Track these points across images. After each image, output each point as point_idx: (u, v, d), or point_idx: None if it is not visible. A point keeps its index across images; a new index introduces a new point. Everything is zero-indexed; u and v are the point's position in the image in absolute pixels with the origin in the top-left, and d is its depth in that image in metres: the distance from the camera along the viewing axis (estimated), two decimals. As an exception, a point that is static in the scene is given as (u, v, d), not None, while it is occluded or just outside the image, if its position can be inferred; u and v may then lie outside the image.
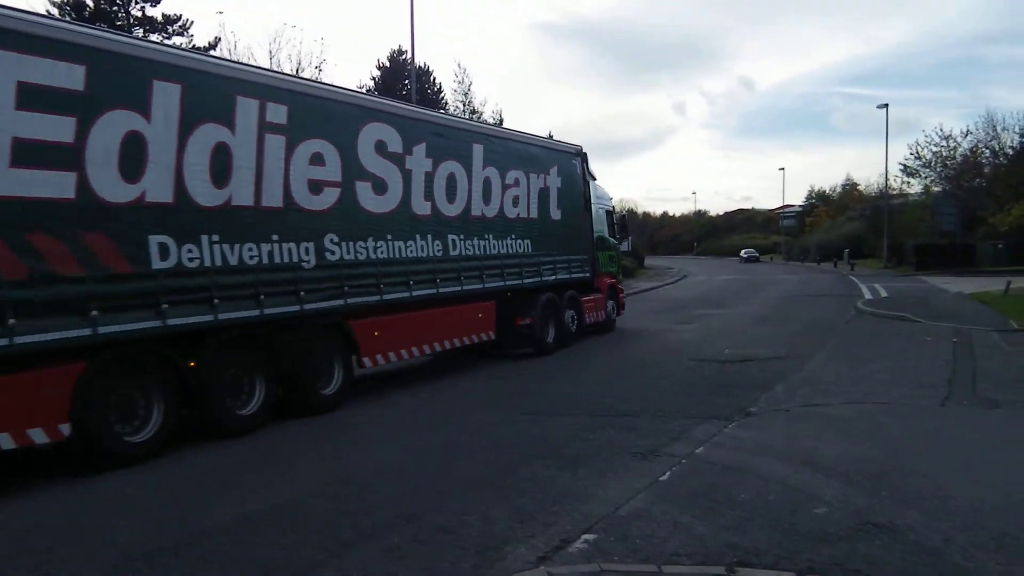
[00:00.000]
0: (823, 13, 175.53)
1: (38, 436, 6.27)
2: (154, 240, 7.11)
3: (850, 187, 78.32)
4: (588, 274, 15.45)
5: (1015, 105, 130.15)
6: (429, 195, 10.85)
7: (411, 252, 10.36)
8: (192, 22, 21.48)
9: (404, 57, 28.88)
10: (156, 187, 7.15)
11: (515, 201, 12.97)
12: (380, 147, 9.94)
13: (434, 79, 31.05)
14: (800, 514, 5.02)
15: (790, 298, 25.96)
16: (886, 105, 47.80)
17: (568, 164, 14.99)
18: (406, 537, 4.95)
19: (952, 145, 48.10)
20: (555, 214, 14.24)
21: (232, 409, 7.97)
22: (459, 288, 11.34)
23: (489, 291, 12.17)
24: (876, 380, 9.85)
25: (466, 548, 4.72)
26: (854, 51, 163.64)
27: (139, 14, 22.92)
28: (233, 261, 7.80)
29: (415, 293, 10.37)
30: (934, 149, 48.63)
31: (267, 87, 8.48)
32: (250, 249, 7.99)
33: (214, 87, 7.81)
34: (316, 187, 8.91)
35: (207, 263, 7.54)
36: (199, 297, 7.46)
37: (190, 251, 7.40)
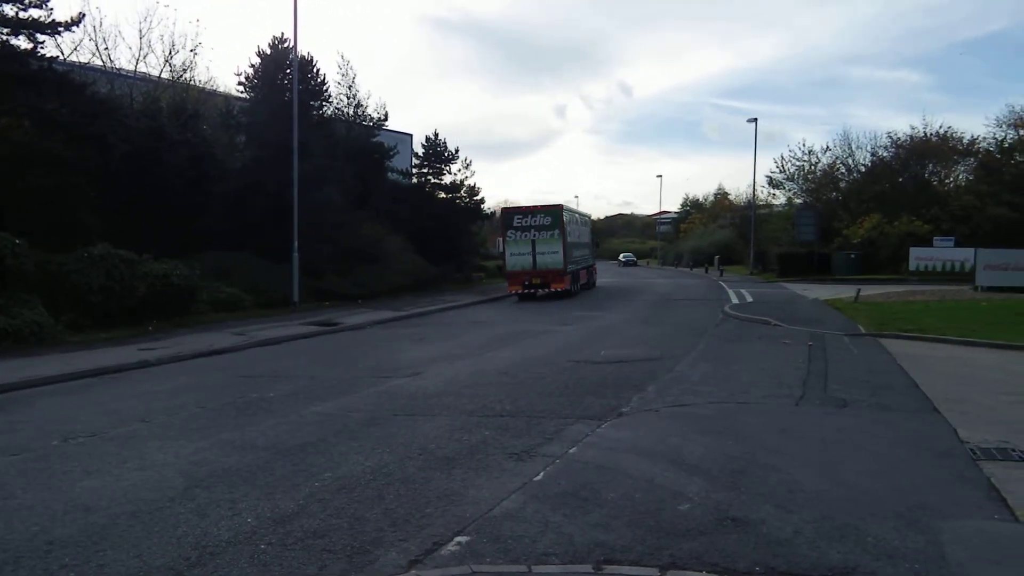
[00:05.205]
0: (702, 18, 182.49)
1: (572, 288, 30.23)
2: (574, 250, 31.59)
3: (721, 196, 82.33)
4: (593, 263, 37.45)
5: (871, 125, 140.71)
6: (579, 237, 32.92)
7: (582, 254, 33.67)
8: (53, -6, 19.90)
9: (286, 45, 27.87)
10: (572, 238, 30.55)
11: (583, 236, 34.61)
12: (575, 223, 32.38)
13: (317, 70, 30.14)
14: (664, 511, 5.22)
15: (664, 301, 27.04)
16: (755, 119, 51.05)
17: (588, 220, 40.09)
18: (274, 542, 4.81)
19: (813, 160, 51.68)
20: (587, 239, 36.02)
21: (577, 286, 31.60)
22: (581, 266, 32.92)
23: (582, 268, 32.76)
24: (740, 381, 10.41)
25: (335, 552, 4.64)
26: (729, 64, 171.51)
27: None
28: (578, 256, 32.17)
29: (580, 266, 32.54)
30: (797, 163, 52.08)
31: (576, 211, 35.40)
32: (578, 252, 32.07)
33: (569, 216, 31.03)
34: (579, 237, 33.01)
35: (577, 256, 31.60)
36: (576, 263, 31.40)
37: (576, 252, 31.49)
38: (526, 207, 30.94)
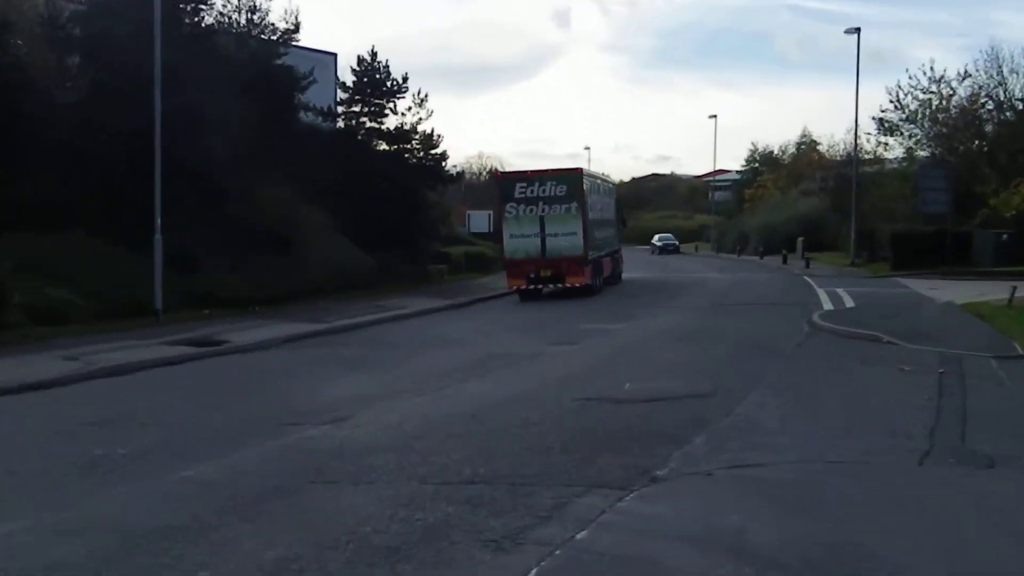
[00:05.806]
0: None
1: (594, 283, 33.54)
2: (596, 231, 34.64)
3: (807, 147, 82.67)
4: (619, 247, 42.08)
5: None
6: (601, 211, 37.38)
7: (606, 236, 38.23)
8: None
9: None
10: (595, 214, 34.98)
11: (607, 211, 39.69)
12: (598, 193, 37.54)
13: (191, -43, 30.24)
14: (720, 627, 5.23)
15: (719, 306, 27.21)
16: (857, 29, 50.45)
17: (614, 192, 45.30)
18: None
19: (945, 92, 50.76)
20: (611, 215, 40.95)
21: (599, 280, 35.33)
22: (605, 252, 37.32)
23: (605, 254, 37.05)
24: (833, 428, 10.46)
25: None
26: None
27: None
28: (601, 239, 36.22)
29: (604, 252, 36.72)
30: (921, 97, 51.57)
31: (599, 177, 42.20)
32: (600, 232, 35.95)
33: (591, 184, 36.18)
34: (601, 211, 37.55)
35: (600, 239, 35.72)
36: (598, 248, 35.30)
37: (598, 233, 35.38)
38: (532, 171, 33.35)
